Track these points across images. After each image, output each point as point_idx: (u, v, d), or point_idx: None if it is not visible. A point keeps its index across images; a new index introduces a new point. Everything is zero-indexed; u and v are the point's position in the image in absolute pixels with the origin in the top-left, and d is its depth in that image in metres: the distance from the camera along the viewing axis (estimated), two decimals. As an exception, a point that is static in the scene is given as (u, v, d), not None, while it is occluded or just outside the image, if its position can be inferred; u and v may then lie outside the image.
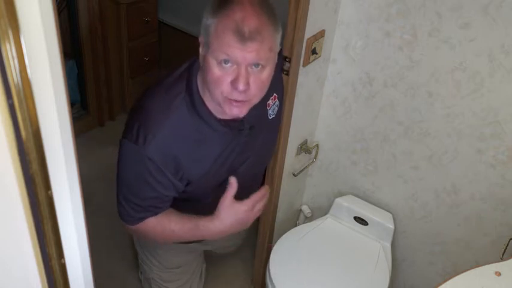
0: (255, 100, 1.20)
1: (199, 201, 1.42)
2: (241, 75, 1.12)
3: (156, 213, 1.34)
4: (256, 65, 1.13)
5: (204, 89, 1.23)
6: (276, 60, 1.20)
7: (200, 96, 1.23)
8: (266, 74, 1.17)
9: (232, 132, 1.29)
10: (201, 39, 1.18)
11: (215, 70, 1.13)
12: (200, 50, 1.19)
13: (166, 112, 1.22)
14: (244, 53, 1.10)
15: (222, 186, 1.41)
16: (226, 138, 1.29)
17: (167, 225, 1.36)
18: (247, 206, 1.31)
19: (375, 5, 1.65)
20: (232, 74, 1.13)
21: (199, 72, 1.24)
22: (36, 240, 0.68)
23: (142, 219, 1.34)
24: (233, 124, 1.28)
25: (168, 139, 1.22)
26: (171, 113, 1.22)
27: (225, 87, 1.14)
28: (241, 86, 1.12)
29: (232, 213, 1.30)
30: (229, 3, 1.11)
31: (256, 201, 1.33)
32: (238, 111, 1.19)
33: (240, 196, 1.51)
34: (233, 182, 1.30)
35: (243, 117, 1.29)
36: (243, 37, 1.09)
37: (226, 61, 1.12)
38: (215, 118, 1.25)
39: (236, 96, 1.15)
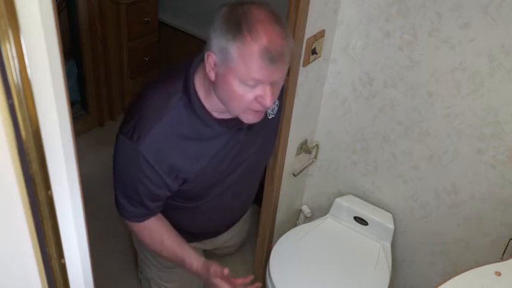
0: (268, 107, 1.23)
1: (198, 199, 1.42)
2: (268, 93, 1.13)
3: (152, 212, 1.35)
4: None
5: (204, 90, 1.23)
6: None
7: (197, 96, 1.24)
8: (281, 82, 1.19)
9: (230, 131, 1.30)
10: (213, 57, 1.14)
11: (237, 89, 1.13)
12: (210, 65, 1.16)
13: (163, 111, 1.22)
14: (272, 75, 1.11)
15: (221, 186, 1.41)
16: (224, 137, 1.30)
17: (158, 242, 1.39)
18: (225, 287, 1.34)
19: (374, 5, 1.65)
20: (255, 91, 1.14)
21: (197, 74, 1.24)
22: (36, 240, 0.68)
23: (137, 217, 1.35)
24: (231, 123, 1.28)
25: (163, 137, 1.22)
26: (168, 111, 1.22)
27: (247, 103, 1.15)
28: (268, 103, 1.14)
29: (211, 280, 1.34)
30: (250, 24, 1.08)
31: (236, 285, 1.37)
32: (255, 118, 1.21)
33: (239, 194, 1.51)
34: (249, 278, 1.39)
35: None
36: (272, 61, 1.09)
37: (251, 81, 1.12)
38: (213, 117, 1.26)
39: (261, 108, 1.17)
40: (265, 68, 1.09)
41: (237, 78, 1.12)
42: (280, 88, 1.20)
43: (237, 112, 1.20)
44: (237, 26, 1.08)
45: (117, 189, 1.34)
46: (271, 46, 1.08)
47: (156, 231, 1.38)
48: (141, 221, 1.36)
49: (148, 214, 1.35)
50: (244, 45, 1.08)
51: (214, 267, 1.33)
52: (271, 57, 1.08)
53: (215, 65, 1.14)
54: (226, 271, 1.32)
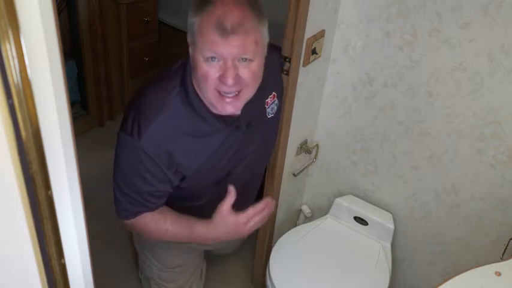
0: (248, 92, 1.20)
1: (198, 199, 1.42)
2: (228, 70, 1.12)
3: (150, 209, 1.35)
4: (244, 59, 1.13)
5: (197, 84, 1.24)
6: (264, 53, 1.20)
7: (195, 91, 1.24)
8: (255, 66, 1.16)
9: (229, 129, 1.30)
10: (188, 39, 1.18)
11: (203, 66, 1.13)
12: (190, 49, 1.19)
13: (161, 106, 1.23)
14: (228, 48, 1.10)
15: (221, 186, 1.41)
16: (222, 134, 1.30)
17: (162, 224, 1.37)
18: (243, 219, 1.32)
19: (375, 5, 1.65)
20: (220, 69, 1.13)
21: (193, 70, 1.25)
22: (36, 240, 0.68)
23: (136, 214, 1.35)
24: (229, 120, 1.28)
25: (162, 132, 1.23)
26: (166, 107, 1.23)
27: (214, 81, 1.14)
28: (229, 81, 1.12)
29: (226, 223, 1.31)
30: (212, 0, 1.10)
31: (253, 214, 1.33)
32: (231, 108, 1.19)
33: (239, 195, 1.51)
34: (232, 190, 1.29)
35: (240, 114, 1.29)
36: (225, 31, 1.08)
37: (213, 58, 1.12)
38: (211, 113, 1.26)
39: (226, 89, 1.15)
40: (219, 39, 1.09)
41: (201, 54, 1.13)
42: (257, 71, 1.18)
43: (211, 97, 1.18)
44: (200, 1, 1.12)
45: (117, 188, 1.34)
46: (225, 17, 1.09)
47: (155, 214, 1.37)
48: (138, 216, 1.36)
49: (145, 211, 1.35)
50: (202, 18, 1.11)
51: (225, 206, 1.31)
52: (223, 28, 1.08)
53: (189, 45, 1.17)
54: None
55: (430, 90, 1.67)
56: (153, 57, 3.08)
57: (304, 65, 1.65)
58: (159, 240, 1.52)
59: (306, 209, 2.21)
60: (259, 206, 1.33)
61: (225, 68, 1.12)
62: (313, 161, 2.05)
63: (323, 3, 1.61)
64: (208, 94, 1.17)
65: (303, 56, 1.62)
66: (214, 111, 1.26)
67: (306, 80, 1.72)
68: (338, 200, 2.01)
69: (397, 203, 1.95)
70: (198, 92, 1.24)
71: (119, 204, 1.35)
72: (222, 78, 1.13)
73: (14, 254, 0.70)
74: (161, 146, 1.23)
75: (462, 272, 1.32)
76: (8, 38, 0.53)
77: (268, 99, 1.41)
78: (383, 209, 1.99)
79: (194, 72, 1.19)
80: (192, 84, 1.24)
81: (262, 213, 1.35)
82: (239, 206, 1.61)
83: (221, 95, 1.16)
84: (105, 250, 2.25)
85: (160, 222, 1.36)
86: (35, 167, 0.62)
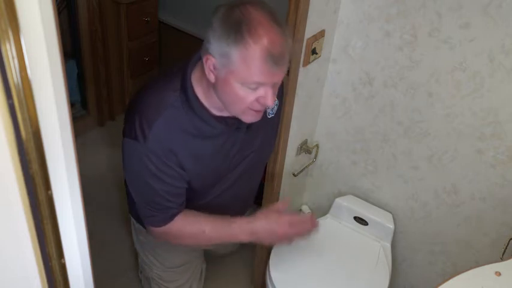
0: None
1: (199, 199, 1.42)
2: (270, 94, 1.15)
3: (178, 209, 1.34)
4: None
5: (202, 88, 1.24)
6: None
7: (195, 93, 1.24)
8: (281, 80, 1.20)
9: (229, 130, 1.30)
10: (212, 60, 1.14)
11: (239, 91, 1.14)
12: (210, 68, 1.16)
13: (161, 108, 1.23)
14: (275, 77, 1.13)
15: (221, 185, 1.41)
16: (223, 135, 1.30)
17: (198, 225, 1.36)
18: (287, 217, 1.35)
19: (375, 5, 1.65)
20: (257, 92, 1.15)
21: (194, 72, 1.25)
22: (36, 240, 0.68)
23: (167, 219, 1.34)
24: (230, 121, 1.29)
25: (165, 132, 1.23)
26: (166, 109, 1.23)
27: (249, 104, 1.17)
28: (270, 103, 1.16)
29: (269, 217, 1.35)
30: (250, 26, 1.08)
31: (298, 220, 1.39)
32: (254, 118, 1.23)
33: (238, 194, 1.52)
34: (288, 198, 1.41)
35: None
36: (275, 63, 1.10)
37: (253, 85, 1.13)
38: (212, 115, 1.26)
39: (259, 107, 1.19)
40: (268, 70, 1.10)
41: (239, 81, 1.13)
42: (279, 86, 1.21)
43: (237, 113, 1.21)
44: (237, 29, 1.08)
45: (138, 199, 1.34)
46: (273, 48, 1.09)
47: (187, 218, 1.36)
48: (171, 221, 1.35)
49: (174, 214, 1.34)
50: (247, 49, 1.08)
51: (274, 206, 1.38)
52: (274, 59, 1.09)
53: (215, 68, 1.14)
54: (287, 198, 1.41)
55: (430, 90, 1.67)
56: (153, 57, 3.08)
57: (304, 65, 1.65)
58: (159, 241, 1.52)
59: (306, 209, 2.21)
60: (307, 215, 1.43)
61: (266, 92, 1.15)
62: (313, 161, 2.05)
63: (323, 3, 1.61)
64: (236, 110, 1.20)
65: (303, 56, 1.62)
66: (215, 113, 1.27)
67: (306, 80, 1.72)
68: (338, 200, 2.01)
69: (397, 203, 1.95)
70: (198, 93, 1.24)
71: (145, 214, 1.34)
72: (262, 100, 1.16)
73: (14, 254, 0.70)
74: (166, 145, 1.24)
75: (462, 272, 1.32)
76: (8, 38, 0.53)
77: (269, 99, 1.41)
78: (383, 209, 1.99)
79: (219, 91, 1.18)
80: (192, 87, 1.24)
81: (306, 225, 1.42)
82: (238, 206, 1.61)
83: (250, 109, 1.19)
84: (105, 250, 2.25)
85: (196, 225, 1.36)
86: (35, 167, 0.62)
